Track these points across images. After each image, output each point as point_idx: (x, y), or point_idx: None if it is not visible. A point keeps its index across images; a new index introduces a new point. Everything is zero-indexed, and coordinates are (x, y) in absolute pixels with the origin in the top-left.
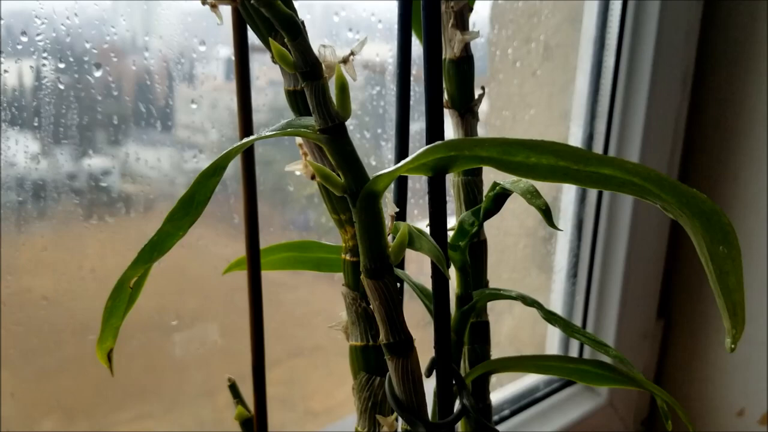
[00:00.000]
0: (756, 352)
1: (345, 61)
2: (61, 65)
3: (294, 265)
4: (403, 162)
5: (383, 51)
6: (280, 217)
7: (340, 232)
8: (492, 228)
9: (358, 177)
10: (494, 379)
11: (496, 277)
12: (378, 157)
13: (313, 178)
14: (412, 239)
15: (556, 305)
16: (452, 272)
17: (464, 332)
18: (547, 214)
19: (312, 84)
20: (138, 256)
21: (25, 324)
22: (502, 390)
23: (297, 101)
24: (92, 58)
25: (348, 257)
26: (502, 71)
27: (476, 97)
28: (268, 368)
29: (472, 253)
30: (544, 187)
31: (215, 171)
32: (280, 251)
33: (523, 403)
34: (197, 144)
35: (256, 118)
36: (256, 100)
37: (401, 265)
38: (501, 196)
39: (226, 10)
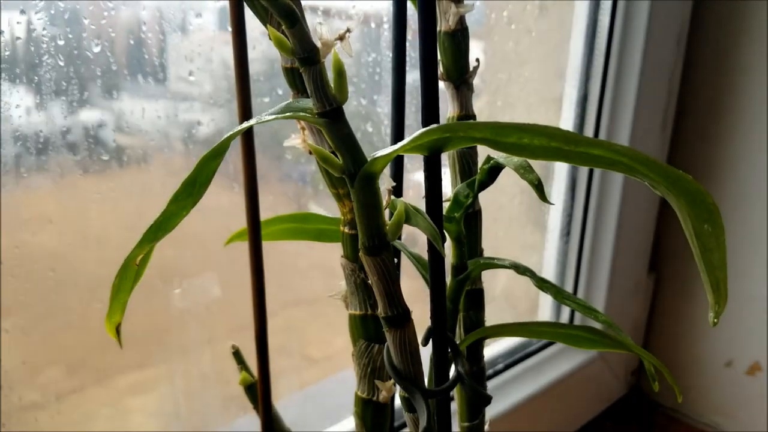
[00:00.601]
0: (744, 306)
1: (341, 38)
2: (54, 18)
3: (294, 235)
4: (400, 144)
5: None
6: (276, 170)
7: (338, 206)
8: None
9: (356, 158)
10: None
11: (492, 235)
12: (374, 123)
13: (310, 153)
14: (409, 216)
15: (550, 262)
16: (448, 242)
17: (459, 300)
18: (540, 188)
19: (310, 69)
20: (144, 236)
21: (25, 277)
22: (496, 344)
23: (294, 78)
24: (84, 12)
25: (347, 230)
26: (498, 30)
27: (471, 68)
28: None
29: (467, 223)
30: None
31: (216, 155)
32: (280, 222)
33: (517, 356)
34: (191, 96)
35: (252, 68)
36: (251, 51)
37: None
38: (495, 169)
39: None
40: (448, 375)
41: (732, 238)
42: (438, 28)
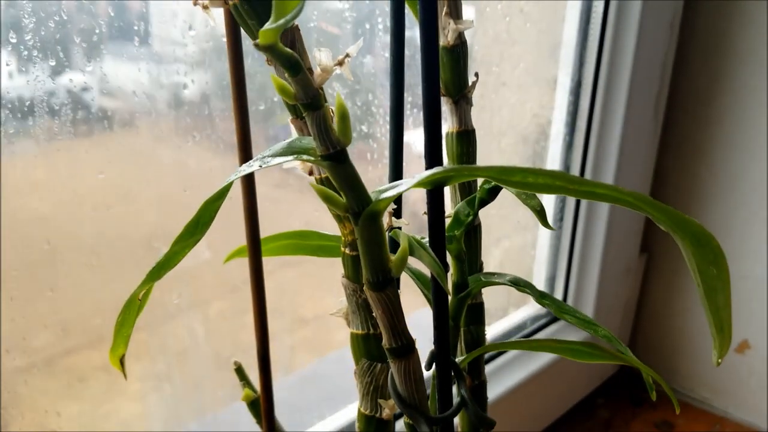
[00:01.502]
0: (733, 285)
1: (341, 63)
2: None
3: (293, 251)
4: (405, 186)
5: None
6: (263, 132)
7: (339, 227)
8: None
9: (360, 198)
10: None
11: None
12: (370, 124)
13: (311, 173)
14: (413, 250)
15: (543, 243)
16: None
17: (461, 317)
18: (542, 215)
19: (313, 114)
20: (148, 276)
21: (14, 241)
22: (490, 328)
23: (293, 106)
24: None
25: (347, 251)
26: (489, 11)
27: (470, 83)
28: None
29: (467, 238)
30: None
31: (218, 197)
32: (279, 239)
33: (511, 340)
34: (176, 57)
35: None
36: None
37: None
38: (495, 189)
39: (219, 12)
40: (451, 397)
41: (724, 219)
42: None
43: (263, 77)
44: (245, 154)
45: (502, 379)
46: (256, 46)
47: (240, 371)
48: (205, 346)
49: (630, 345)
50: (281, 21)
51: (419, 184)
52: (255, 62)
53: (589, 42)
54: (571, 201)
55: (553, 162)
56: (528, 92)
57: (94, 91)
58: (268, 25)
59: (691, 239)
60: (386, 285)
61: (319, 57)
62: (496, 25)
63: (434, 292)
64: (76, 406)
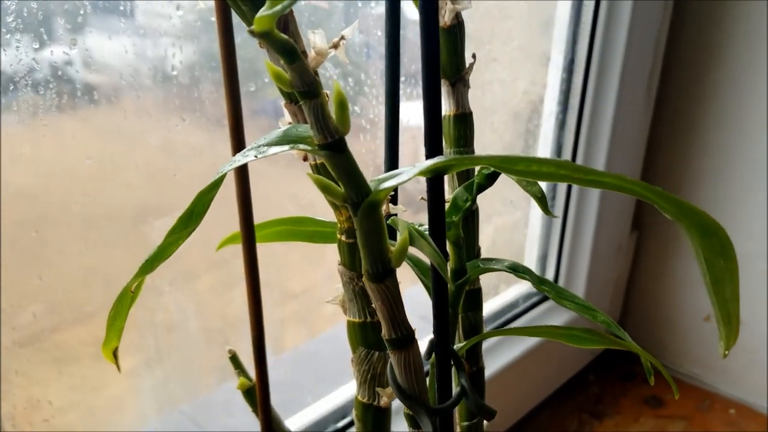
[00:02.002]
0: None
1: (335, 46)
2: None
3: (287, 237)
4: (406, 176)
5: None
6: (249, 103)
7: (335, 214)
8: None
9: (359, 188)
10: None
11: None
12: (362, 105)
13: (305, 159)
14: (413, 239)
15: (535, 222)
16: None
17: (459, 304)
18: (543, 201)
19: (310, 102)
20: (140, 269)
21: (2, 217)
22: (497, 298)
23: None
24: None
25: (344, 238)
26: None
27: (467, 65)
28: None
29: (464, 224)
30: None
31: (212, 188)
32: (273, 226)
33: (504, 319)
34: (160, 30)
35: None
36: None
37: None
38: (494, 174)
39: None
40: (451, 387)
41: (715, 195)
42: None
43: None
44: (238, 141)
45: (495, 357)
46: (251, 32)
47: (235, 359)
48: (194, 320)
49: (620, 322)
50: (278, 7)
51: (420, 174)
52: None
53: (583, 19)
54: None
55: (545, 140)
56: (520, 69)
57: (77, 65)
58: (263, 11)
59: (699, 229)
60: (386, 276)
61: (314, 39)
62: None
63: (434, 281)
64: (66, 382)
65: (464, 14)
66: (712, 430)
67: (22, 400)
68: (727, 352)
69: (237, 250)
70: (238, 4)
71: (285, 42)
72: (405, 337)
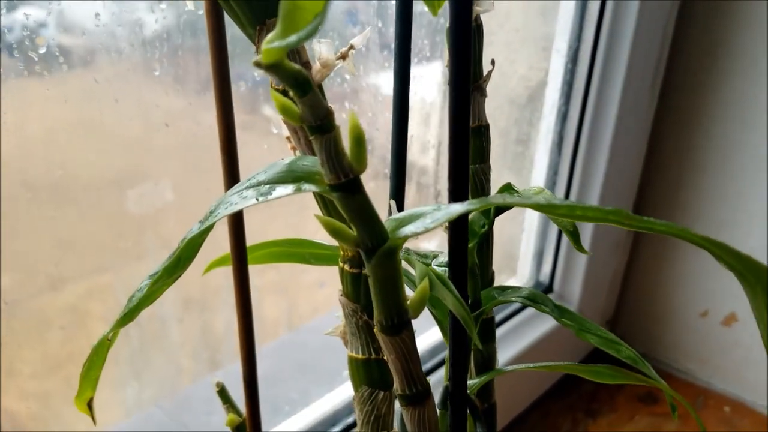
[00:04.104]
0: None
1: (344, 56)
2: None
3: (282, 258)
4: (430, 222)
5: None
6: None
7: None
8: None
9: (374, 233)
10: None
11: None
12: (362, 102)
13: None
14: (433, 287)
15: (533, 216)
16: None
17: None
18: (575, 236)
19: (322, 137)
20: (120, 319)
21: None
22: None
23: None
24: None
25: (347, 267)
26: None
27: (485, 73)
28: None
29: (479, 249)
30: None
31: (201, 234)
32: (268, 247)
33: (503, 314)
34: None
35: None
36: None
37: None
38: None
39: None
40: None
41: (718, 187)
42: (447, 25)
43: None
44: (231, 167)
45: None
46: (258, 65)
47: (223, 393)
48: (172, 288)
49: (615, 315)
50: (293, 38)
51: (450, 218)
52: None
53: (590, 7)
54: (564, 171)
55: (547, 133)
56: (516, 52)
57: (50, 27)
58: (274, 42)
59: (764, 287)
60: (401, 329)
61: (319, 50)
62: None
63: (452, 330)
64: (40, 350)
65: None
66: (707, 429)
67: None
68: None
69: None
70: (231, 5)
71: (297, 73)
72: (420, 393)
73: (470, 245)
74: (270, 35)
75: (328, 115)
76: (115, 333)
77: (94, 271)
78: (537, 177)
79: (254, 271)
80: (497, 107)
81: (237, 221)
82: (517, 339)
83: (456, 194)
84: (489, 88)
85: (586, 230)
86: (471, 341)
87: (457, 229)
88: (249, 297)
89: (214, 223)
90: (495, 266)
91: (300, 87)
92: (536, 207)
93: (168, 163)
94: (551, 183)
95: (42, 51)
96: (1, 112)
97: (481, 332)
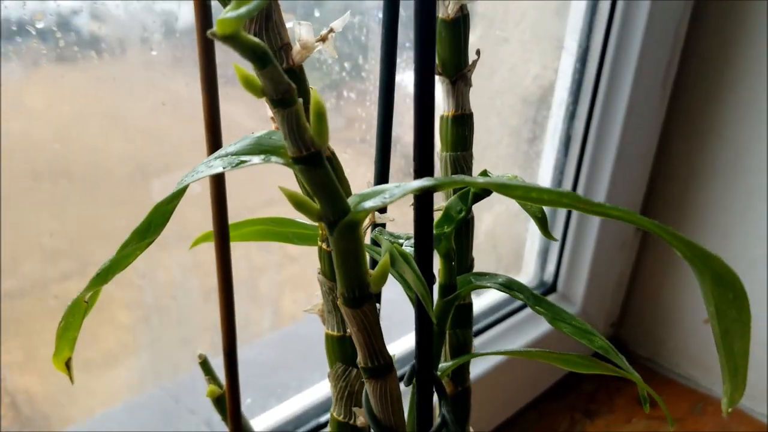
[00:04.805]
0: (730, 262)
1: (323, 39)
2: None
3: (265, 237)
4: (389, 197)
5: None
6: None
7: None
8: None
9: (336, 207)
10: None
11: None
12: (360, 92)
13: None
14: (395, 262)
15: None
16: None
17: (447, 321)
18: (543, 222)
19: (284, 110)
20: (94, 279)
21: (6, 166)
22: (477, 301)
23: None
24: None
25: (325, 246)
26: None
27: (470, 62)
28: (245, 217)
29: (458, 235)
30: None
31: (171, 199)
32: (251, 225)
33: (499, 314)
34: None
35: None
36: None
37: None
38: None
39: None
40: (432, 416)
41: (727, 191)
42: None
43: None
44: (214, 138)
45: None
46: (213, 35)
47: (205, 364)
48: (192, 278)
49: (620, 317)
50: (243, 9)
51: (407, 194)
52: None
53: (600, 6)
54: (570, 169)
55: (554, 131)
56: (531, 52)
57: (83, 16)
58: (227, 13)
59: (712, 276)
60: (363, 301)
61: (299, 32)
62: None
63: (417, 308)
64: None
65: None
66: None
67: (15, 352)
68: (730, 409)
69: (239, 211)
70: None
71: (254, 46)
72: (382, 366)
73: (447, 230)
74: (226, 8)
75: (290, 89)
76: (93, 295)
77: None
78: (543, 176)
79: (274, 265)
80: (510, 105)
81: (219, 198)
82: (516, 337)
83: (420, 174)
84: (502, 86)
85: (591, 230)
86: (442, 322)
87: (422, 208)
88: (230, 272)
89: (183, 190)
90: (502, 265)
91: (259, 60)
92: (492, 187)
93: (194, 155)
94: (557, 182)
95: (73, 38)
96: None
97: (456, 317)
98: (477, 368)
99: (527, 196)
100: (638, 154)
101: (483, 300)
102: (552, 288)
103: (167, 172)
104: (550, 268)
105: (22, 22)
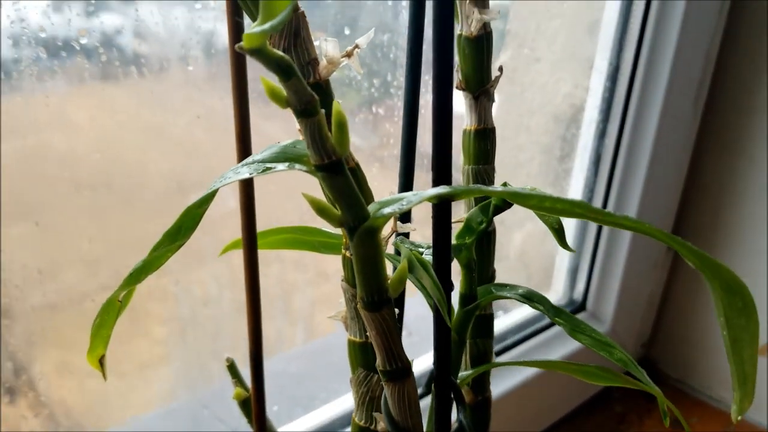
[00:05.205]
0: (757, 287)
1: (348, 54)
2: None
3: (293, 245)
4: (407, 203)
5: None
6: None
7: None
8: (506, 140)
9: (355, 213)
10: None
11: None
12: (388, 108)
13: None
14: (412, 268)
15: (568, 233)
16: (457, 267)
17: (467, 331)
18: (560, 233)
19: (307, 120)
20: (127, 279)
21: (41, 179)
22: (507, 317)
23: None
24: None
25: (348, 254)
26: None
27: (493, 77)
28: None
29: (479, 246)
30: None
31: (202, 203)
32: (279, 233)
33: (527, 331)
34: (209, 4)
35: None
36: None
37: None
38: None
39: None
40: (450, 422)
41: (759, 213)
42: (458, 32)
43: None
44: (244, 148)
45: (516, 371)
46: (240, 49)
47: (232, 368)
48: (229, 293)
49: (651, 338)
50: (267, 25)
51: (425, 200)
52: None
53: (631, 24)
54: (600, 188)
55: (584, 149)
56: (563, 70)
57: (126, 34)
58: (253, 28)
59: (721, 284)
60: (382, 306)
61: (326, 47)
62: None
63: (435, 314)
64: None
65: (510, 10)
66: None
67: (53, 363)
68: (739, 417)
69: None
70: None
71: (279, 59)
72: (400, 369)
73: (468, 241)
74: (253, 24)
75: (312, 100)
76: (127, 294)
77: (155, 273)
78: (574, 194)
79: (308, 282)
80: (541, 124)
81: (248, 206)
82: (544, 354)
83: (438, 183)
84: (534, 105)
85: (622, 248)
86: (462, 331)
87: (440, 216)
88: (257, 278)
89: (213, 195)
90: (532, 282)
91: (284, 72)
92: (507, 196)
93: (227, 166)
94: (587, 201)
95: (117, 56)
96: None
97: (477, 327)
98: (503, 384)
99: (541, 205)
100: (669, 173)
101: (512, 316)
102: (581, 306)
103: (201, 184)
104: (580, 286)
105: (68, 39)
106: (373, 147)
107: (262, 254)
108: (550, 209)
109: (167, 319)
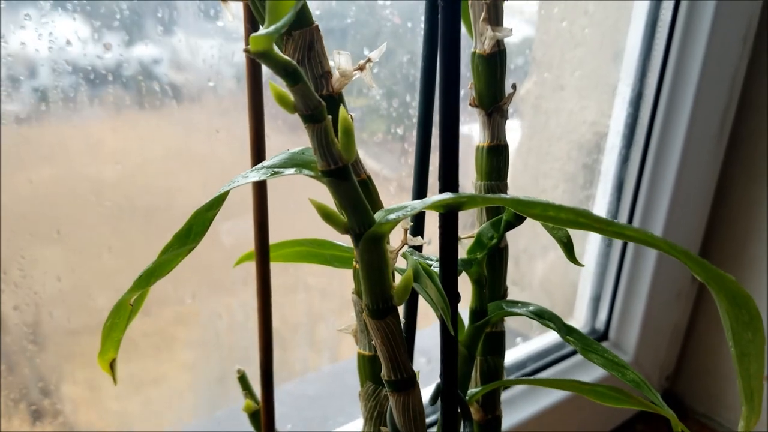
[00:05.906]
0: None
1: (361, 68)
2: None
3: (305, 258)
4: (411, 210)
5: None
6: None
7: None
8: (529, 169)
9: (361, 219)
10: (518, 335)
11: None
12: (407, 127)
13: None
14: (419, 277)
15: (590, 261)
16: (468, 283)
17: (477, 346)
18: (568, 247)
19: (314, 126)
20: (136, 282)
21: (77, 205)
22: (527, 345)
23: None
24: None
25: (359, 266)
26: (551, 6)
27: (506, 95)
28: None
29: (490, 262)
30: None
31: (211, 207)
32: (292, 246)
33: (547, 360)
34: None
35: None
36: None
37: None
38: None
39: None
40: None
41: None
42: (472, 49)
43: None
44: (258, 153)
45: (536, 399)
46: (247, 52)
47: (243, 379)
48: (254, 318)
49: (676, 369)
50: (272, 28)
51: (428, 208)
52: None
53: (654, 51)
54: (623, 215)
55: (606, 175)
56: (587, 98)
57: (164, 65)
58: (260, 31)
59: (727, 297)
60: (386, 313)
61: (338, 60)
62: (559, 24)
63: (442, 327)
64: (125, 370)
65: (535, 38)
66: None
67: (82, 385)
68: (747, 431)
69: None
70: (263, 16)
71: (285, 63)
72: (405, 380)
73: (479, 256)
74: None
75: (319, 105)
76: (139, 298)
77: (183, 299)
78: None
79: (333, 312)
80: (565, 152)
81: (261, 219)
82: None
83: (444, 187)
84: (559, 132)
85: (645, 277)
86: (472, 347)
87: (446, 225)
88: (269, 290)
89: (222, 198)
90: (555, 310)
91: (290, 76)
92: (510, 204)
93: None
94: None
95: (153, 85)
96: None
97: (487, 344)
98: (525, 413)
99: (545, 213)
100: (694, 200)
101: (535, 343)
102: (604, 336)
103: (238, 216)
104: (602, 315)
105: (107, 69)
106: (402, 177)
107: (288, 281)
108: (554, 218)
109: (193, 344)
